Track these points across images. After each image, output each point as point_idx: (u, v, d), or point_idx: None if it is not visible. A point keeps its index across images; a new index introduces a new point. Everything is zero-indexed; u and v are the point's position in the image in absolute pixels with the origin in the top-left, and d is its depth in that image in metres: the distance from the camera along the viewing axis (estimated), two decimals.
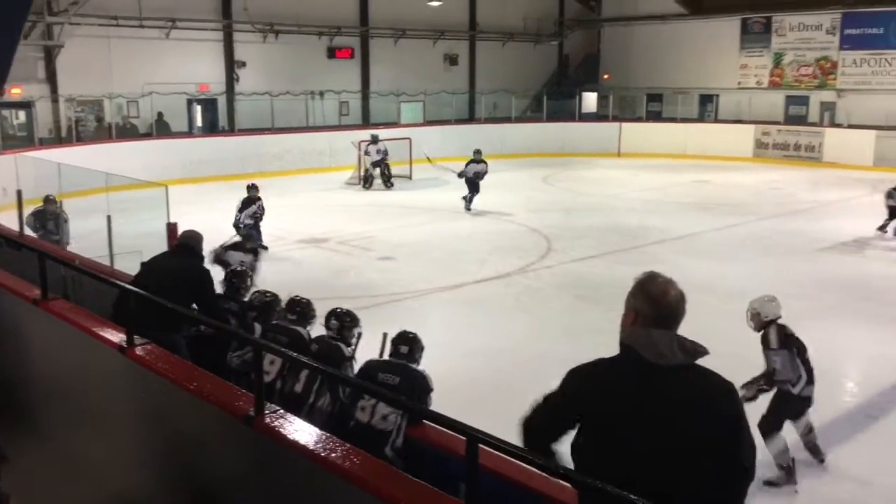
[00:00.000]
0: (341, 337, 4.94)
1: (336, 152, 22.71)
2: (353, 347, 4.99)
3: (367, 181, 20.43)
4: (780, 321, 5.98)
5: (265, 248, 12.29)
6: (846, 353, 8.83)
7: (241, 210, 12.53)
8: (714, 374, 2.43)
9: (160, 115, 21.94)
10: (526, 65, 30.88)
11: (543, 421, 2.59)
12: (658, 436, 2.32)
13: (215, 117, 23.85)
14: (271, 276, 11.48)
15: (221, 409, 3.29)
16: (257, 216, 12.56)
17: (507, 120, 28.26)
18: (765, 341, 5.90)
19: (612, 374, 2.46)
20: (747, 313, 6.10)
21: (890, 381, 7.68)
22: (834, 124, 25.64)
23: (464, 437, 2.64)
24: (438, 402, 5.12)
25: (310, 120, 24.76)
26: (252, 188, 12.80)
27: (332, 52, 25.99)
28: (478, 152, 17.30)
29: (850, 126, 24.84)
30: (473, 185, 16.98)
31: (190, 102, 23.17)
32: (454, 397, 5.26)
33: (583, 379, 2.49)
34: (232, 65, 23.84)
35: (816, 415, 6.65)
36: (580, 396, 2.47)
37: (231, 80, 23.85)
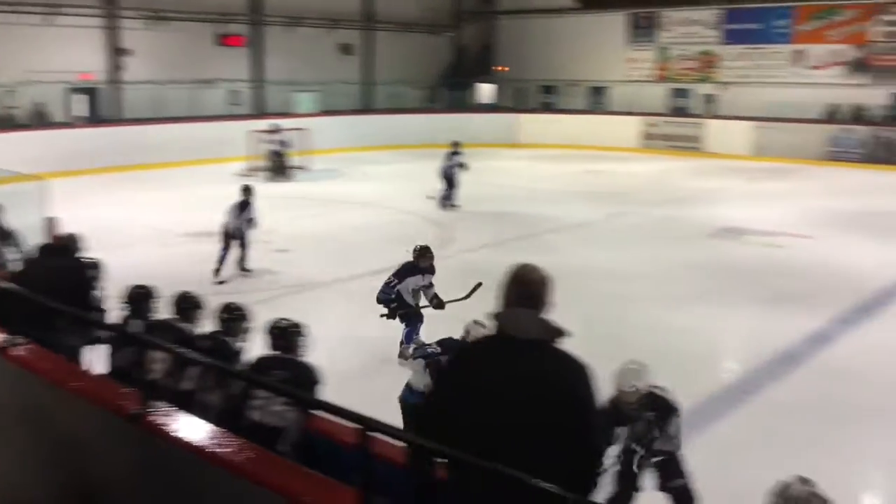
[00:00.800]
0: (230, 331, 4.87)
1: (227, 143, 22.11)
2: (241, 343, 4.93)
3: (277, 172, 20.14)
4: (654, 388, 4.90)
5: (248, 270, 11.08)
6: (726, 333, 9.32)
7: (238, 215, 10.90)
8: (569, 356, 2.57)
9: (40, 105, 20.88)
10: (423, 55, 30.96)
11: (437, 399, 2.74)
12: (504, 404, 2.45)
13: (98, 107, 22.87)
14: (161, 271, 11.17)
15: (105, 408, 3.21)
16: (252, 221, 11.00)
17: (405, 110, 28.28)
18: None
19: (479, 346, 2.67)
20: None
21: (766, 359, 8.14)
22: (715, 116, 26.85)
23: (357, 426, 2.68)
24: (334, 394, 5.11)
25: (199, 109, 24.07)
26: (246, 190, 11.15)
27: (222, 40, 25.34)
28: (456, 144, 16.75)
29: (731, 117, 26.08)
30: (451, 179, 16.31)
31: (71, 92, 22.13)
32: (350, 388, 5.28)
33: (457, 351, 2.70)
34: (116, 53, 22.91)
35: (697, 392, 7.02)
36: (447, 370, 2.71)
37: (115, 68, 22.92)
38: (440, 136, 26.80)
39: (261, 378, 4.11)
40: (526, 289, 2.60)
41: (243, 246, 11.02)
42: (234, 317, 4.93)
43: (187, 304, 5.11)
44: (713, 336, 9.10)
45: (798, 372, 7.85)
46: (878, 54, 24.62)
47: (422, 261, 8.20)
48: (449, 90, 30.18)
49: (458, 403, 2.57)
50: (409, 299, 8.06)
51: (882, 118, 23.94)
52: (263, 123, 21.59)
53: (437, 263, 12.36)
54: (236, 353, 4.80)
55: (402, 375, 7.47)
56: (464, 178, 16.59)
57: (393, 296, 8.06)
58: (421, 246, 8.22)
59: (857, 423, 6.65)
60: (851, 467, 5.93)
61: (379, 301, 8.16)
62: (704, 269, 11.84)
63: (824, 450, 6.06)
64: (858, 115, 24.41)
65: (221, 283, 10.47)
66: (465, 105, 29.56)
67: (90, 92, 22.59)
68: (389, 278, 8.15)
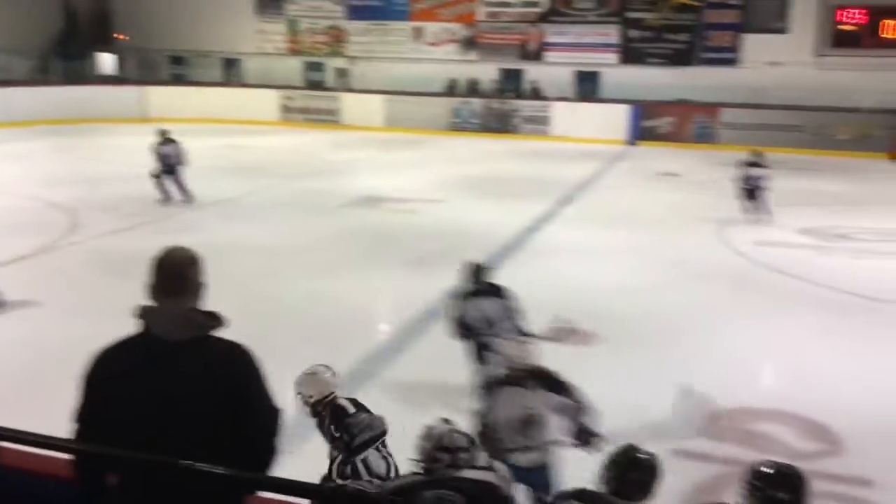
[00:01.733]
0: None
1: None
2: None
3: None
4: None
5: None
6: (377, 294, 9.72)
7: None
8: (228, 344, 2.45)
9: None
10: (27, 19, 27.45)
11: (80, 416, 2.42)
12: (165, 413, 2.30)
13: None
14: None
15: None
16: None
17: (10, 83, 24.93)
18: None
19: (122, 353, 2.39)
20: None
21: (415, 315, 8.65)
22: (349, 89, 27.76)
23: None
24: None
25: None
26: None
27: None
28: (163, 132, 14.47)
29: (364, 91, 27.14)
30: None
31: None
32: None
33: (93, 362, 2.40)
34: None
35: (354, 355, 7.26)
36: (89, 379, 2.39)
37: None
38: (55, 112, 24.32)
39: None
40: (167, 274, 2.40)
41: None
42: None
43: None
44: (363, 301, 9.44)
45: (438, 325, 8.47)
46: (484, 33, 27.28)
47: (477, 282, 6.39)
48: (62, 60, 27.22)
49: (108, 421, 2.32)
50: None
51: (492, 91, 26.65)
52: None
53: (64, 251, 11.27)
54: None
55: (41, 380, 6.70)
56: (92, 157, 15.15)
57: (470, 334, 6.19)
58: (472, 263, 6.37)
59: None
60: None
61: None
62: (349, 237, 12.23)
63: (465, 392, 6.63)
64: (473, 89, 26.91)
65: None
66: (83, 77, 26.94)
67: None
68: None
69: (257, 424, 2.44)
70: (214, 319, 2.41)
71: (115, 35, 29.91)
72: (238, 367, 2.43)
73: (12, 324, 8.24)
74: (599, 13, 25.87)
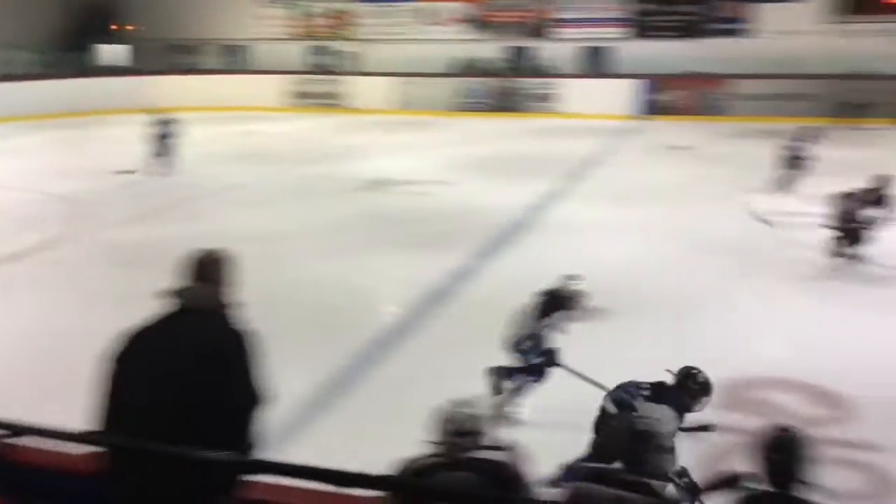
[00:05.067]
0: None
1: None
2: None
3: None
4: None
5: None
6: (381, 277, 9.61)
7: None
8: (228, 322, 2.77)
9: None
10: (28, 13, 27.40)
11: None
12: (158, 367, 2.62)
13: None
14: None
15: None
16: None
17: (14, 77, 24.92)
18: None
19: (151, 318, 2.79)
20: None
21: (418, 301, 8.51)
22: (357, 72, 27.58)
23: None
24: None
25: None
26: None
27: None
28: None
29: (371, 73, 26.95)
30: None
31: None
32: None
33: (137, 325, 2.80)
34: None
35: (362, 337, 7.17)
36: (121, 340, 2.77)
37: None
38: (63, 105, 24.28)
39: None
40: (199, 268, 2.85)
41: None
42: None
43: None
44: (370, 284, 9.32)
45: (445, 306, 8.35)
46: (492, 11, 26.98)
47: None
48: (69, 53, 27.15)
49: (123, 366, 2.68)
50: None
51: (503, 70, 26.37)
52: None
53: (73, 244, 11.20)
54: None
55: (67, 373, 6.62)
56: (95, 149, 15.08)
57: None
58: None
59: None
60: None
61: None
62: (357, 221, 12.11)
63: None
64: (482, 69, 26.64)
65: None
66: (90, 69, 26.89)
67: None
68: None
69: (233, 396, 2.62)
70: (224, 300, 2.80)
71: (121, 26, 29.81)
72: (232, 342, 2.69)
73: (22, 314, 8.19)
74: None
